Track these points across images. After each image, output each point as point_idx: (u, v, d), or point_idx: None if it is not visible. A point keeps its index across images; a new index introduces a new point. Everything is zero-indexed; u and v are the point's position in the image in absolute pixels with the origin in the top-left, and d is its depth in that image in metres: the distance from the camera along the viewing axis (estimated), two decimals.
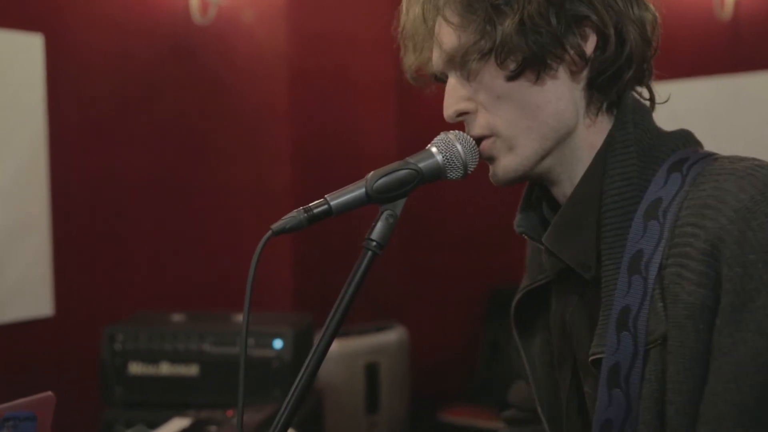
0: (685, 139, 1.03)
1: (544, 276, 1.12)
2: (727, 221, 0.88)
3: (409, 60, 1.10)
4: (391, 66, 3.81)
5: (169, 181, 3.25)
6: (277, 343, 2.41)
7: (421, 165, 1.00)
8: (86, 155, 3.02)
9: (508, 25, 0.96)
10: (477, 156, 1.03)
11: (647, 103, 1.08)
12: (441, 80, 1.10)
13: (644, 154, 1.00)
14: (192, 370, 2.43)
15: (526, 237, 1.11)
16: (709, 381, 0.88)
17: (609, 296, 0.97)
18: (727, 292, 0.87)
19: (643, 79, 1.05)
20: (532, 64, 0.98)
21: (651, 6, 1.03)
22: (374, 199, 0.98)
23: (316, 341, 0.96)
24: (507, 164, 1.02)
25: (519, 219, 1.12)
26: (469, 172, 1.03)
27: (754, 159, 0.95)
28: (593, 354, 0.98)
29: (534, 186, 1.12)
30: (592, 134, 1.03)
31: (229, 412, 2.07)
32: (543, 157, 1.02)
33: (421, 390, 3.86)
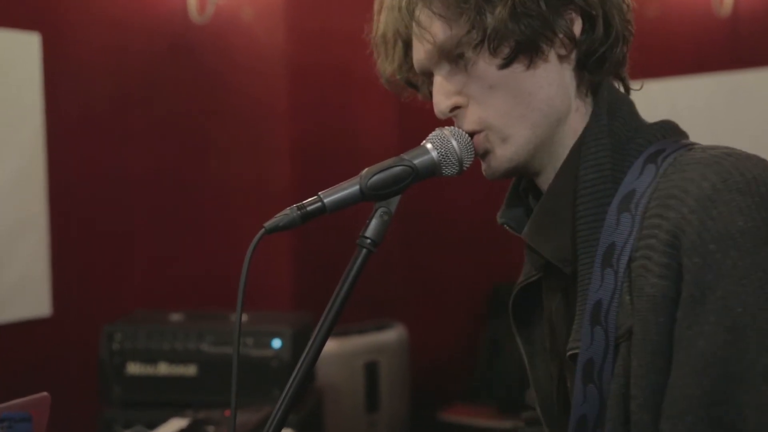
0: (665, 130, 1.01)
1: (538, 271, 1.11)
2: (688, 210, 0.86)
3: (384, 65, 1.11)
4: None
5: (167, 179, 3.24)
6: (276, 343, 2.40)
7: (416, 161, 0.99)
8: (84, 154, 3.02)
9: (500, 12, 0.96)
10: (472, 152, 1.02)
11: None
12: (413, 86, 1.11)
13: (620, 145, 0.99)
14: (190, 369, 2.42)
15: (508, 228, 1.11)
16: (671, 375, 0.86)
17: (584, 290, 0.96)
18: (686, 283, 0.85)
19: (623, 65, 1.05)
20: (525, 49, 0.97)
21: None
22: (369, 197, 0.97)
23: (310, 340, 0.95)
24: (501, 154, 1.02)
25: (503, 210, 1.12)
26: (465, 168, 1.02)
27: (727, 148, 0.93)
28: (570, 349, 0.97)
29: (522, 177, 1.12)
30: (578, 119, 1.03)
31: (228, 412, 2.06)
32: (537, 146, 1.02)
33: (421, 389, 3.85)
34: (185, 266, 3.28)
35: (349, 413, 3.38)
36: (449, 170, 1.01)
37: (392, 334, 3.59)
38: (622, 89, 1.07)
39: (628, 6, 1.04)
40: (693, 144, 0.98)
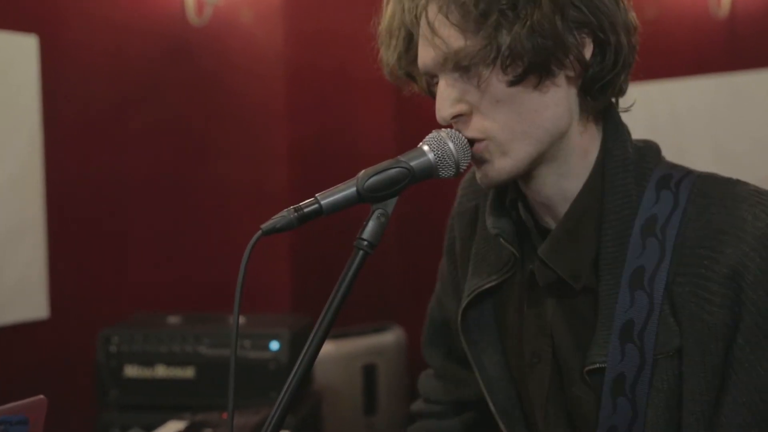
0: (656, 152, 1.07)
1: (497, 276, 1.13)
2: (749, 248, 0.94)
3: (388, 57, 1.10)
4: None
5: (166, 182, 3.24)
6: (274, 345, 2.40)
7: (412, 163, 0.99)
8: (82, 157, 3.01)
9: (517, 31, 0.95)
10: (469, 154, 1.02)
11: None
12: (413, 79, 1.11)
13: (635, 170, 1.03)
14: (188, 372, 2.42)
15: (502, 240, 1.11)
16: (732, 392, 0.95)
17: (609, 309, 1.00)
18: (750, 313, 0.94)
19: (623, 91, 1.07)
20: (537, 70, 0.98)
21: (632, 12, 1.04)
22: (365, 198, 0.97)
23: (307, 343, 0.95)
24: (501, 167, 1.02)
25: (494, 221, 1.12)
26: (461, 170, 1.02)
27: (738, 181, 1.01)
28: (592, 363, 1.00)
29: (506, 188, 1.12)
30: (586, 141, 1.05)
31: (225, 415, 2.06)
32: (535, 159, 1.03)
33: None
34: (183, 269, 3.27)
35: (347, 416, 3.37)
36: (446, 172, 1.01)
37: (390, 337, 3.58)
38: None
39: (635, 29, 1.04)
40: (689, 169, 1.05)
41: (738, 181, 1.01)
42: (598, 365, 1.00)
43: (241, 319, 2.64)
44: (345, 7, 3.64)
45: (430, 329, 1.38)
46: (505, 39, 0.96)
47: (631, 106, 1.11)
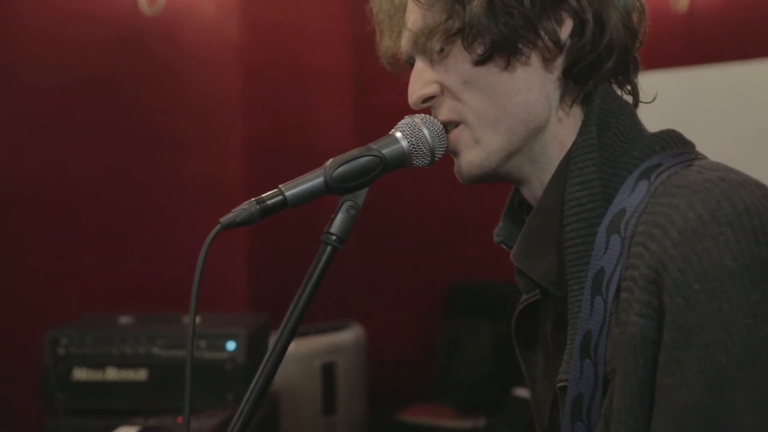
0: (665, 141, 0.92)
1: (530, 293, 1.04)
2: (671, 244, 0.78)
3: (385, 44, 1.03)
4: (346, 58, 3.76)
5: (116, 177, 3.17)
6: (231, 345, 2.33)
7: (384, 151, 0.93)
8: (27, 151, 2.92)
9: (476, 5, 0.89)
10: (445, 142, 0.96)
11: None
12: (413, 65, 1.03)
13: (611, 159, 0.90)
14: (140, 374, 2.33)
15: (504, 247, 1.03)
16: (653, 423, 0.79)
17: (574, 319, 0.89)
18: (668, 325, 0.77)
19: (626, 73, 0.97)
20: (502, 48, 0.90)
21: None
22: (334, 189, 0.91)
23: (272, 342, 0.90)
24: (471, 159, 0.95)
25: (500, 227, 1.04)
26: (437, 158, 0.96)
27: (725, 169, 0.85)
28: (560, 381, 0.90)
29: (517, 190, 1.04)
30: (563, 130, 0.95)
31: (180, 419, 1.99)
32: (511, 153, 0.95)
33: (379, 390, 3.81)
34: (135, 267, 3.20)
35: (307, 415, 3.32)
36: (420, 161, 0.95)
37: (349, 335, 3.54)
38: (628, 97, 0.99)
39: (641, 10, 0.95)
40: (693, 159, 0.90)
41: (718, 168, 0.85)
42: (562, 383, 0.89)
43: (196, 318, 2.57)
44: None
45: None
46: (466, 14, 0.90)
47: (654, 99, 1.00)
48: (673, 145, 0.92)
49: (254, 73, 3.51)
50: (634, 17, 0.95)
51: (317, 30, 3.58)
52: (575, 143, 0.93)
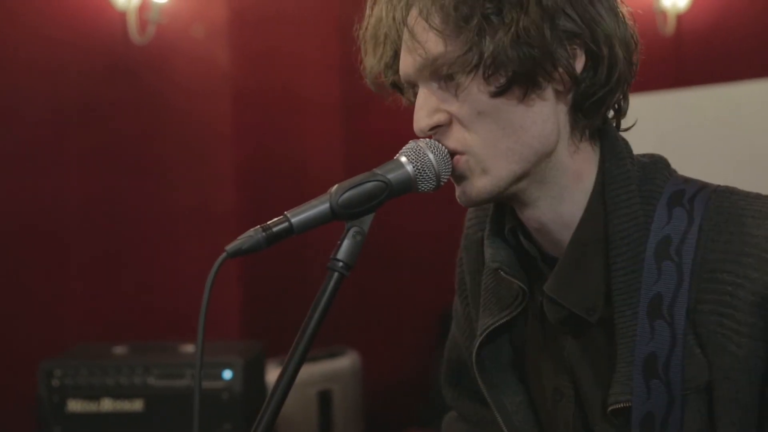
0: (665, 167, 1.00)
1: (508, 312, 1.05)
2: None
3: (369, 63, 1.02)
4: (336, 85, 3.77)
5: (107, 206, 3.15)
6: (227, 374, 2.30)
7: (390, 176, 0.93)
8: (17, 180, 2.90)
9: (500, 38, 0.89)
10: (450, 166, 0.95)
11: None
12: (398, 89, 1.03)
13: (641, 189, 0.97)
14: (136, 405, 2.31)
15: (503, 274, 1.04)
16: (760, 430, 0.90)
17: (628, 343, 0.94)
18: None
19: (621, 104, 1.01)
20: (522, 81, 0.91)
21: (634, 27, 0.99)
22: (340, 215, 0.91)
23: (278, 373, 0.90)
24: (481, 186, 0.95)
25: (493, 254, 1.05)
26: (442, 183, 0.96)
27: (759, 195, 0.94)
28: (615, 403, 0.94)
29: (503, 216, 1.06)
30: (578, 162, 0.98)
31: None
32: (520, 178, 0.96)
33: (375, 416, 3.78)
34: (128, 297, 3.17)
35: None
36: (426, 185, 0.95)
37: (345, 362, 3.52)
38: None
39: (636, 44, 0.98)
40: (704, 183, 0.98)
41: (759, 196, 0.94)
42: (622, 404, 0.94)
43: (189, 348, 2.55)
44: (292, 26, 3.60)
45: (448, 369, 1.29)
46: (487, 46, 0.89)
47: (633, 125, 1.05)
48: (669, 170, 1.00)
49: (244, 101, 3.51)
50: (634, 56, 0.98)
51: (307, 57, 3.59)
52: (609, 174, 0.96)
